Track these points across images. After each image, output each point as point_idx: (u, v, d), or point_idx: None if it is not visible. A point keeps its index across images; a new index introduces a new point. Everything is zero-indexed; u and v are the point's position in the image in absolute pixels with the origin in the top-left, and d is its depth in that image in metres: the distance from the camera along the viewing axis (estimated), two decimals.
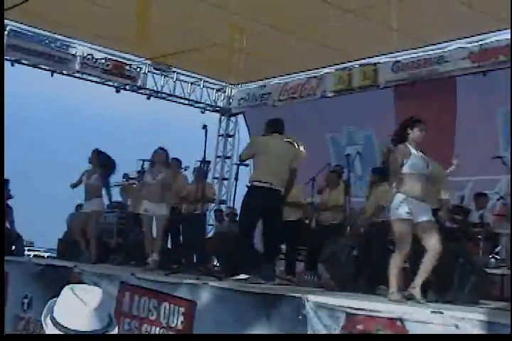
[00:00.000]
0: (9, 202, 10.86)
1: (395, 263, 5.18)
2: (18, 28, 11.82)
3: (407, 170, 5.30)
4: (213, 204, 12.27)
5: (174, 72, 14.02)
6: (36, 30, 12.04)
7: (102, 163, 9.04)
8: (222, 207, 13.97)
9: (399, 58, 11.59)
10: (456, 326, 3.87)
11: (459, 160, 5.54)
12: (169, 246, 9.53)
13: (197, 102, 14.63)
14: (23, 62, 12.21)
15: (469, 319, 3.86)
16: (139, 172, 10.27)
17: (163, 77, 13.95)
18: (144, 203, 8.37)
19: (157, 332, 5.84)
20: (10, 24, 11.62)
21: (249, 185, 6.96)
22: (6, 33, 11.58)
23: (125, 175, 10.16)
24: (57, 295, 2.34)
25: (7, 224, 10.92)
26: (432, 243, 5.13)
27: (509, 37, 10.03)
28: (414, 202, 5.20)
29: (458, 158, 5.50)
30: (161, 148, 8.45)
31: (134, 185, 10.21)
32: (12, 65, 12.07)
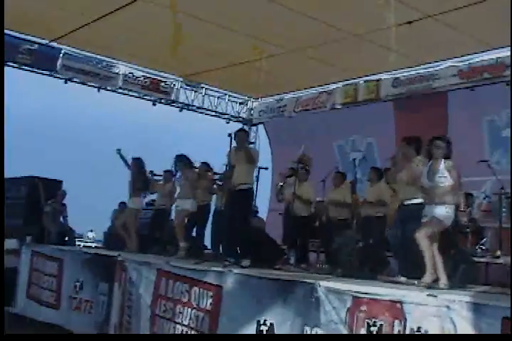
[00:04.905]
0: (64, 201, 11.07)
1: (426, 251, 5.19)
2: (72, 51, 11.95)
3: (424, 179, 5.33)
4: None
5: (203, 87, 14.06)
6: (86, 53, 12.15)
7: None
8: None
9: (398, 75, 11.57)
10: (448, 307, 3.86)
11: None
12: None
13: (222, 114, 14.65)
14: (75, 80, 12.32)
15: (459, 301, 3.85)
16: (165, 171, 10.28)
17: (193, 92, 13.99)
18: (177, 200, 8.81)
19: (189, 313, 5.84)
20: (64, 48, 11.77)
21: (247, 188, 7.32)
22: (61, 55, 11.76)
23: (151, 172, 10.18)
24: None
25: (61, 219, 11.06)
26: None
27: (492, 57, 10.04)
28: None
29: None
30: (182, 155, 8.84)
31: (160, 182, 10.20)
32: (65, 83, 12.22)
